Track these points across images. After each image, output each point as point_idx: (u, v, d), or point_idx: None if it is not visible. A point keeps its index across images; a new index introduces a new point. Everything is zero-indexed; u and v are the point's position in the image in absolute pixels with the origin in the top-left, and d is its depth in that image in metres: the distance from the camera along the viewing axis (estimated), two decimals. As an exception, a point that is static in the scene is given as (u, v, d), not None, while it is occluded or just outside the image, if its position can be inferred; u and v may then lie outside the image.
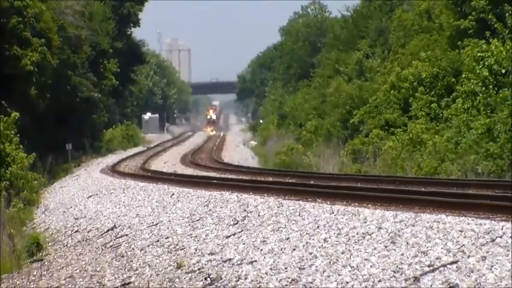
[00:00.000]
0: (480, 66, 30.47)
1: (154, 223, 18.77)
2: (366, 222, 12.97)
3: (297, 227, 13.95)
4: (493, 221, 11.63)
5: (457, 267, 9.67)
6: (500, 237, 10.47)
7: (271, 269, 11.69)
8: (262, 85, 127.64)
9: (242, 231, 14.91)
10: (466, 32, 35.33)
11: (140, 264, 14.92)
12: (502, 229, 10.83)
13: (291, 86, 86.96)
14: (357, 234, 12.33)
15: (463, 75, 32.34)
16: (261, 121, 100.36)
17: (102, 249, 17.91)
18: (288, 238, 13.28)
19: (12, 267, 18.30)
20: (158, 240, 16.58)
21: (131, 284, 13.58)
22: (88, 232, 21.08)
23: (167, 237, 16.53)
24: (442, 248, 10.49)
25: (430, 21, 44.23)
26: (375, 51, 53.94)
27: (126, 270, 14.79)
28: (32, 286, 15.76)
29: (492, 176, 25.57)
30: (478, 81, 30.50)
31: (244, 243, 13.81)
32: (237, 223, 15.83)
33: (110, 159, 55.06)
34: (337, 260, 11.23)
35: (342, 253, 11.50)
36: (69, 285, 14.87)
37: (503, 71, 29.91)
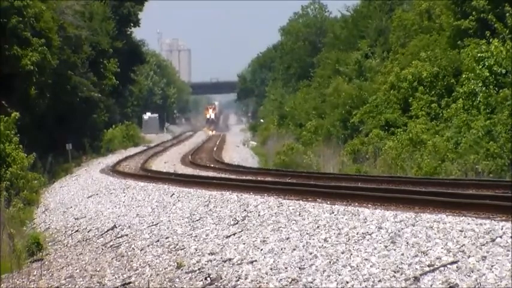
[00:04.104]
0: (480, 67, 30.48)
1: (154, 223, 18.77)
2: (366, 222, 12.97)
3: (297, 226, 13.95)
4: (493, 221, 11.63)
5: (457, 267, 9.67)
6: (500, 237, 10.47)
7: (271, 268, 11.69)
8: (263, 85, 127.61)
9: (242, 231, 14.91)
10: (466, 32, 35.33)
11: (140, 264, 14.92)
12: (502, 229, 10.83)
13: (291, 86, 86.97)
14: (357, 234, 12.33)
15: (463, 76, 32.34)
16: (261, 121, 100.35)
17: (102, 249, 17.91)
18: (288, 238, 13.28)
19: (12, 267, 18.32)
20: (158, 240, 16.59)
21: (131, 284, 13.58)
22: (88, 232, 21.09)
23: (167, 237, 16.53)
24: (442, 248, 10.49)
25: (431, 21, 44.23)
26: (375, 51, 53.93)
27: (126, 270, 14.79)
28: (32, 286, 15.76)
29: (492, 176, 25.58)
30: (478, 81, 30.50)
31: (244, 243, 13.81)
32: (237, 223, 15.84)
33: (110, 159, 55.06)
34: (337, 260, 11.23)
35: (342, 253, 11.50)
36: (69, 285, 14.87)
37: (504, 71, 29.92)
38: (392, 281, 9.81)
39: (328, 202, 16.30)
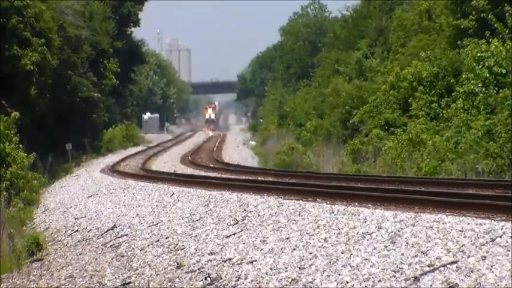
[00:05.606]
0: (480, 67, 30.48)
1: (154, 223, 18.78)
2: (365, 222, 12.97)
3: (297, 226, 13.95)
4: (493, 221, 11.63)
5: (457, 267, 9.67)
6: (500, 237, 10.47)
7: (271, 268, 11.70)
8: (262, 85, 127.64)
9: (242, 231, 14.92)
10: (466, 32, 35.33)
11: (140, 264, 14.93)
12: (502, 229, 10.83)
13: (291, 85, 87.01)
14: (357, 234, 12.33)
15: (463, 76, 32.33)
16: (261, 121, 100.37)
17: (102, 249, 17.91)
18: (288, 238, 13.28)
19: (12, 267, 18.31)
20: (158, 240, 16.59)
21: (131, 284, 13.59)
22: (88, 232, 21.09)
23: (167, 237, 16.54)
24: (442, 248, 10.50)
25: (430, 21, 44.24)
26: (375, 50, 53.96)
27: (126, 270, 14.80)
28: (32, 286, 15.76)
29: (492, 176, 25.58)
30: (478, 81, 30.51)
31: (244, 243, 13.81)
32: (237, 223, 15.84)
33: (110, 159, 55.08)
34: (337, 259, 11.23)
35: (342, 253, 11.50)
36: (69, 285, 14.88)
37: (503, 71, 29.91)
38: (392, 281, 9.82)
39: (328, 202, 16.29)
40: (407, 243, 11.11)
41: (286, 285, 10.81)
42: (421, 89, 36.72)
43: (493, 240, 10.40)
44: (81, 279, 15.10)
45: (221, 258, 13.25)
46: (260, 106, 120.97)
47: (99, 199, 27.35)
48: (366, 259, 10.88)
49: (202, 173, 34.82)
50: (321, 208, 15.04)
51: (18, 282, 16.31)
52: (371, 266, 10.53)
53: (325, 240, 12.49)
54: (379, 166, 33.89)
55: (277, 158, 46.47)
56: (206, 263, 13.26)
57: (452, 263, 9.83)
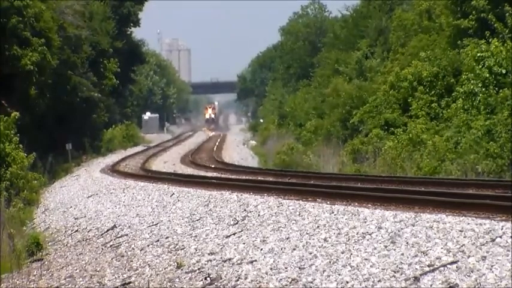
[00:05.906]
0: (480, 67, 30.47)
1: (154, 223, 18.78)
2: (365, 222, 12.97)
3: (297, 226, 13.95)
4: (493, 221, 11.63)
5: (457, 267, 9.67)
6: (500, 237, 10.47)
7: (271, 268, 11.70)
8: (263, 85, 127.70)
9: (242, 231, 14.92)
10: (466, 32, 35.32)
11: (140, 264, 14.93)
12: (502, 229, 10.83)
13: (291, 85, 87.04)
14: (357, 234, 12.33)
15: (463, 76, 32.32)
16: (261, 121, 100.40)
17: (102, 249, 17.91)
18: (288, 238, 13.28)
19: (12, 267, 18.32)
20: (158, 240, 16.59)
21: (131, 284, 13.59)
22: (88, 232, 21.09)
23: (167, 237, 16.54)
24: (442, 248, 10.50)
25: (430, 21, 44.24)
26: (375, 50, 53.96)
27: (126, 270, 14.80)
28: (32, 286, 15.76)
29: (492, 176, 25.57)
30: (478, 81, 30.50)
31: (244, 243, 13.81)
32: (237, 223, 15.84)
33: (110, 158, 55.08)
34: (337, 259, 11.23)
35: (342, 253, 11.50)
36: (69, 285, 14.88)
37: (503, 71, 29.90)
38: (392, 281, 9.82)
39: (328, 202, 16.29)
40: (407, 243, 11.11)
41: (286, 285, 10.81)
42: (421, 89, 36.70)
43: (493, 240, 10.40)
44: (81, 279, 15.11)
45: (221, 258, 13.25)
46: (260, 106, 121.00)
47: (99, 199, 27.35)
48: (366, 259, 10.88)
49: (203, 173, 34.82)
50: (321, 208, 15.04)
51: (18, 282, 16.31)
52: (371, 266, 10.53)
53: (325, 240, 12.49)
54: (379, 166, 33.89)
55: (277, 158, 46.48)
56: (206, 263, 13.26)
57: (452, 263, 9.83)
